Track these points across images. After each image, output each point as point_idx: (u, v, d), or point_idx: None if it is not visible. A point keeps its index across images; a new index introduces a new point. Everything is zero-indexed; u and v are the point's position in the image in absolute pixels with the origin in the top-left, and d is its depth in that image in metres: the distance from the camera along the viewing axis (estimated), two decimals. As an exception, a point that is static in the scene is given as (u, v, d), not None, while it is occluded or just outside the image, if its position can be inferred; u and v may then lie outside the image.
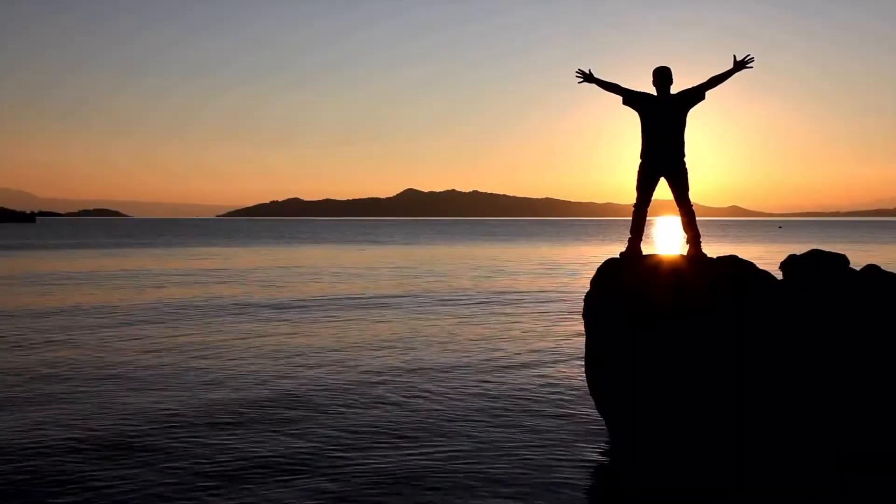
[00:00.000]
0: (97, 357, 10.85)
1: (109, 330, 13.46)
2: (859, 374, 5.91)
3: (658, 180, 7.27)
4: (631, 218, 7.39)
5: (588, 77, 7.36)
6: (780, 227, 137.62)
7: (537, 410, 7.99)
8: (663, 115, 7.10)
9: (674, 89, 7.14)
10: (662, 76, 7.12)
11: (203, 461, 6.29)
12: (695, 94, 7.10)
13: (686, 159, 7.18)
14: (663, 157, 7.13)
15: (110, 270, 28.50)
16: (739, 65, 7.01)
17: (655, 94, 7.16)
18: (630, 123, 7.46)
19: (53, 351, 11.32)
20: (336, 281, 24.17)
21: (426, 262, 34.86)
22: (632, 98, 7.22)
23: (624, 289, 6.82)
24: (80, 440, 6.85)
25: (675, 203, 7.30)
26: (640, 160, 7.25)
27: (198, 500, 5.47)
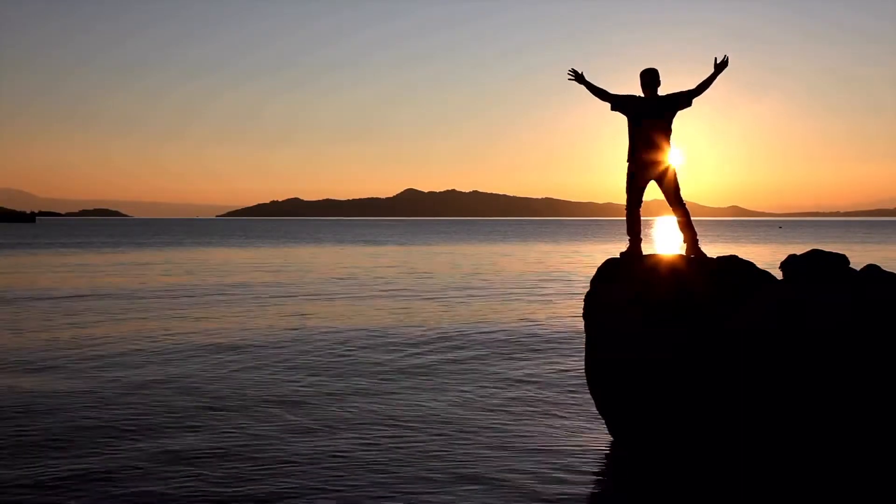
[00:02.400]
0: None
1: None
2: (859, 375, 5.90)
3: (647, 183, 7.27)
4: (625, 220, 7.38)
5: (579, 77, 7.35)
6: (780, 227, 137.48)
7: (536, 410, 7.99)
8: (650, 119, 7.08)
9: (679, 88, 7.12)
10: (651, 78, 7.09)
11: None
12: (682, 101, 7.07)
13: (671, 160, 7.13)
14: (650, 161, 7.11)
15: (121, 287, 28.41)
16: (719, 66, 7.00)
17: (644, 96, 7.14)
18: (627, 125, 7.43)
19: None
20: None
21: (423, 260, 34.85)
22: (619, 104, 7.21)
23: (624, 289, 6.82)
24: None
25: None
26: (627, 163, 7.24)
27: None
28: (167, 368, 10.05)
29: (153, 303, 17.69)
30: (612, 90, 7.26)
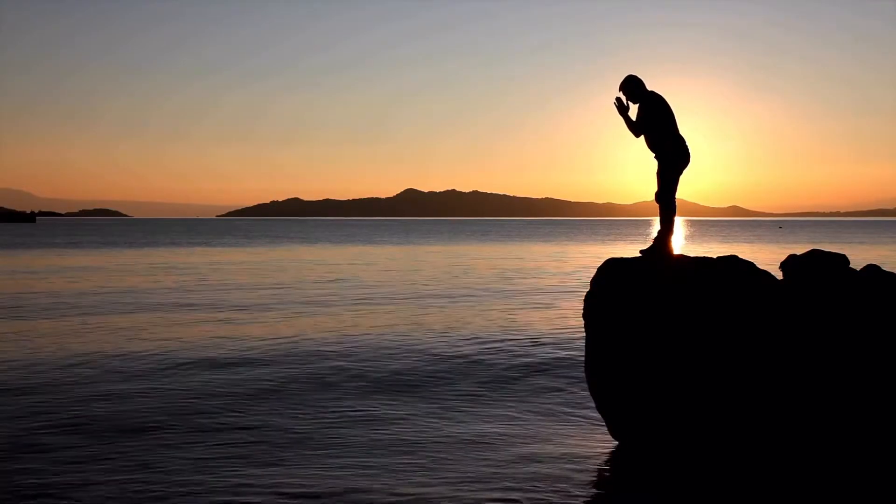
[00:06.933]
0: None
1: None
2: (859, 374, 5.90)
3: None
4: (660, 217, 7.30)
5: (622, 108, 7.16)
6: (780, 227, 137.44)
7: (536, 410, 7.99)
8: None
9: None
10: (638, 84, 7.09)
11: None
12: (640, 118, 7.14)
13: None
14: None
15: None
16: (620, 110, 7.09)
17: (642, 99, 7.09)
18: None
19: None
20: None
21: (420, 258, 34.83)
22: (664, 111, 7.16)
23: (625, 288, 6.81)
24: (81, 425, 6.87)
25: (676, 202, 7.30)
26: (675, 161, 7.14)
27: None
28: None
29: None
30: (610, 91, 7.25)
